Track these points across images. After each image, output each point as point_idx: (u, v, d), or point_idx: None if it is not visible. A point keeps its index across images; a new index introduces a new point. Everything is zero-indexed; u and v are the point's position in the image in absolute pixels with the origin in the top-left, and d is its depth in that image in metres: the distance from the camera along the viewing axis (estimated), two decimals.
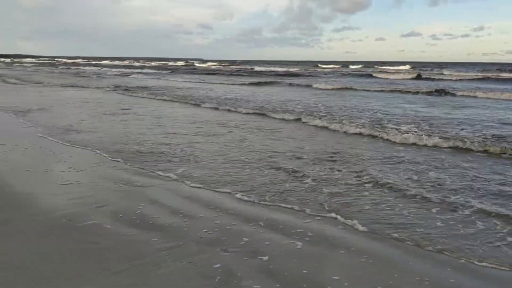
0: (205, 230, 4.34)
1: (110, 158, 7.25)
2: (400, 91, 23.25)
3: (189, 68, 67.20)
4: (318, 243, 4.11)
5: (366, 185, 5.93)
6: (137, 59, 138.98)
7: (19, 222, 4.40)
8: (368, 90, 24.16)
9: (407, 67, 66.75)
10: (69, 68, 61.66)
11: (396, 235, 4.33)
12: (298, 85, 28.80)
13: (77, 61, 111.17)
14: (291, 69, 57.67)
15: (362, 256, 3.88)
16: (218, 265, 3.61)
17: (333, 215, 4.83)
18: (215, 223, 4.53)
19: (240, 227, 4.44)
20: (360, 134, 9.94)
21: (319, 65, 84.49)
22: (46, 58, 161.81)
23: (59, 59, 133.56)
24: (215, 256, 3.77)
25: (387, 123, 11.17)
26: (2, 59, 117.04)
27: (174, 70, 55.43)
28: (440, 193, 5.60)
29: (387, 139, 9.29)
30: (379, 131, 9.85)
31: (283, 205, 5.14)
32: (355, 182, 6.05)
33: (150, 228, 4.37)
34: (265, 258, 3.77)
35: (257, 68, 62.23)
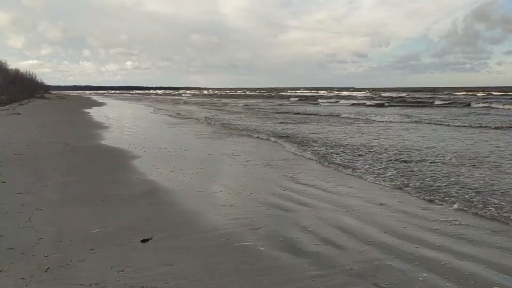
0: (355, 261, 4.26)
1: (275, 186, 7.66)
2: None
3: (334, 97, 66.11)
4: None
5: None
6: (292, 89, 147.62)
7: (185, 237, 4.92)
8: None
9: None
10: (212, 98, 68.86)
11: None
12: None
13: (227, 92, 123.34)
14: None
15: None
16: None
17: None
18: (367, 256, 4.41)
19: (391, 262, 4.25)
20: None
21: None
22: (208, 90, 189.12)
23: (214, 90, 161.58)
24: None
25: None
26: (171, 91, 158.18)
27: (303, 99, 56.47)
28: None
29: None
30: None
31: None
32: None
33: (300, 253, 4.46)
34: None
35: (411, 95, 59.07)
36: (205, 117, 25.28)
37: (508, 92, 63.32)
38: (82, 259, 4.23)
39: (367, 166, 9.13)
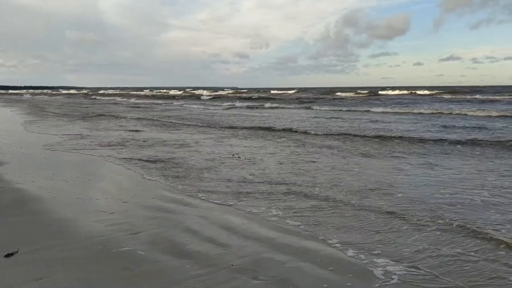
0: (236, 257, 4.37)
1: (151, 186, 7.46)
2: None
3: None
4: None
5: None
6: (175, 88, 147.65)
7: (58, 248, 4.57)
8: None
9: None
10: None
11: None
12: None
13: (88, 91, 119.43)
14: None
15: None
16: None
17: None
18: (247, 251, 4.56)
19: (270, 255, 4.45)
20: None
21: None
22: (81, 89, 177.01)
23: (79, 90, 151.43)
24: (245, 284, 3.80)
25: None
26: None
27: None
28: None
29: None
30: None
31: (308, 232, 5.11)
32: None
33: (182, 255, 4.44)
34: (293, 287, 3.76)
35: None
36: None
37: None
38: None
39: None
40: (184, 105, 41.42)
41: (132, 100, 57.62)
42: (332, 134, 15.22)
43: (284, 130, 17.01)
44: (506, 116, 21.76)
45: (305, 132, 15.98)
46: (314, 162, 9.79)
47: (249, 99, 54.15)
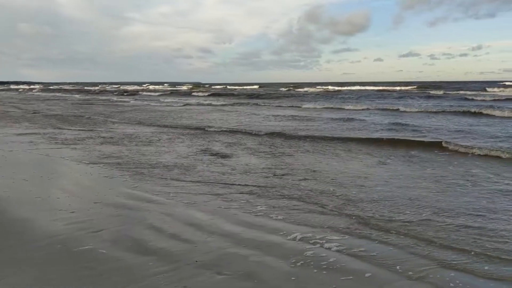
0: (200, 253, 4.37)
1: (110, 181, 7.31)
2: None
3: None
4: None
5: None
6: (135, 84, 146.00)
7: (14, 249, 4.42)
8: None
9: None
10: None
11: None
12: None
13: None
14: None
15: None
16: None
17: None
18: (211, 246, 4.55)
19: (235, 250, 4.47)
20: None
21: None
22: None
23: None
24: (209, 279, 3.80)
25: None
26: None
27: None
28: None
29: None
30: None
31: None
32: None
33: (146, 252, 4.39)
34: (257, 281, 3.80)
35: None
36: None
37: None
38: None
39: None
40: (131, 102, 40.64)
41: (77, 95, 57.26)
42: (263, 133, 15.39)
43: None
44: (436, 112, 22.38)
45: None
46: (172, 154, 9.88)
47: (197, 96, 53.76)
